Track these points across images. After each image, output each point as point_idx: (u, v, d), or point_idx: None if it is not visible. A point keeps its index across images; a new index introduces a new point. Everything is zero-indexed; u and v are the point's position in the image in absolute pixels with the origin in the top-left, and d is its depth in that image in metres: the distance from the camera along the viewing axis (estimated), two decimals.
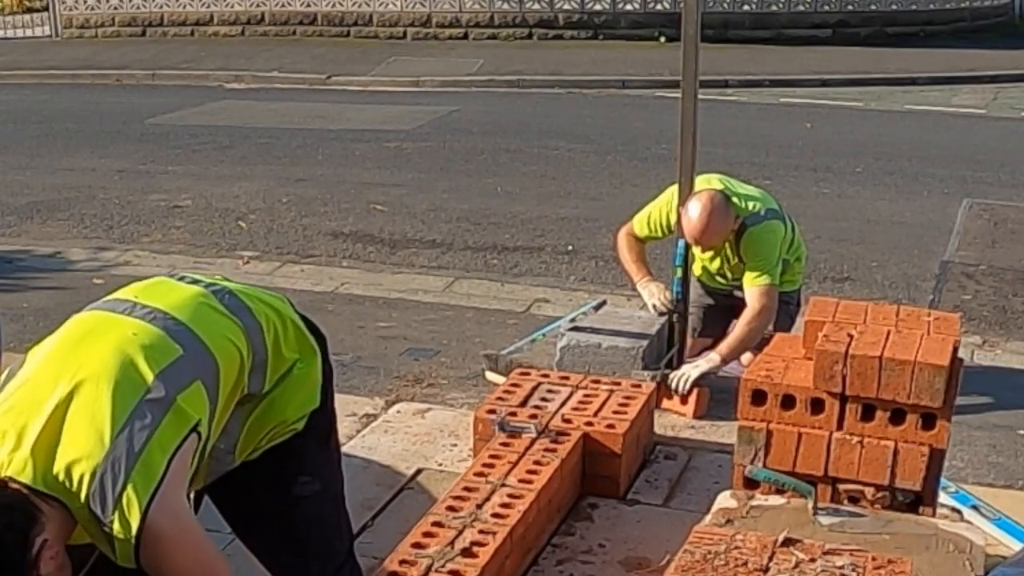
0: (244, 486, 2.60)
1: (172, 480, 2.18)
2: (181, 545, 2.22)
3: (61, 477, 2.13)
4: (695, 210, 4.80)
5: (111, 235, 7.83)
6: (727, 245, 5.00)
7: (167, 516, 2.17)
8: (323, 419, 2.67)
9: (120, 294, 2.49)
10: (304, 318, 2.68)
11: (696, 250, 5.07)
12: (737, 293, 5.28)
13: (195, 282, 2.56)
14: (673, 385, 4.78)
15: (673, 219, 4.98)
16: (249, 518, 2.68)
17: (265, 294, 2.66)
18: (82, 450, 2.14)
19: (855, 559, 2.59)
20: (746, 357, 5.05)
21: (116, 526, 2.12)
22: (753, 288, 4.88)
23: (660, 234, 5.16)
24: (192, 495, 2.56)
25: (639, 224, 5.21)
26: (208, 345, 2.38)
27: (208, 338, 2.39)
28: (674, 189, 4.99)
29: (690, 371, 4.82)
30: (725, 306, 5.38)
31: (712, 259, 5.14)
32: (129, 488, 2.12)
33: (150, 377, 2.25)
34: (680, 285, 4.98)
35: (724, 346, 4.90)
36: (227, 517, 2.72)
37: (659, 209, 5.13)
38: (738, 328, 4.90)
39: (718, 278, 5.24)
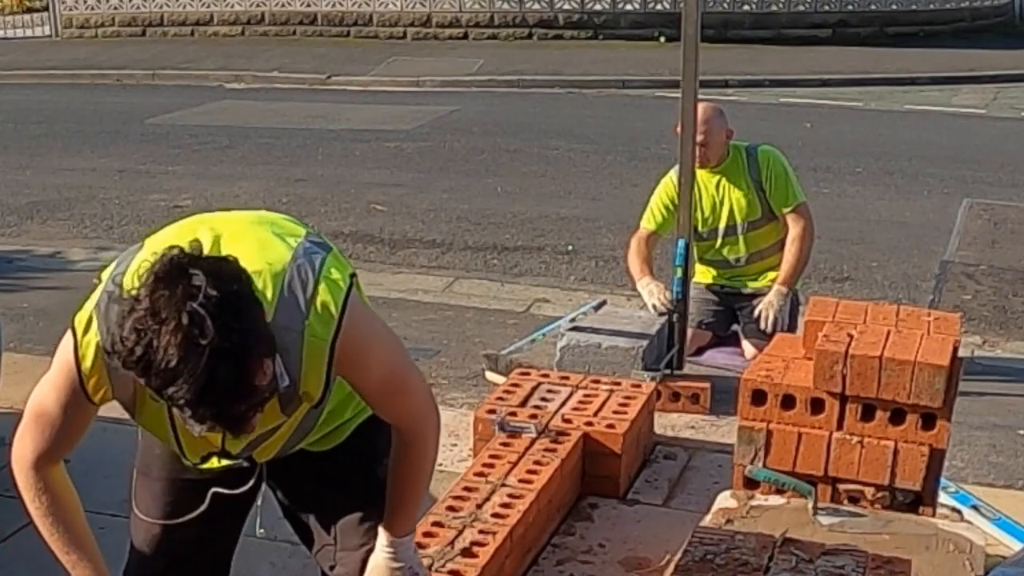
0: (325, 472, 2.48)
1: (354, 299, 2.09)
2: (378, 354, 2.19)
3: None
4: None
5: (111, 235, 7.83)
6: (739, 172, 5.17)
7: (359, 325, 2.09)
8: None
9: None
10: None
11: (698, 190, 5.13)
12: (744, 290, 5.32)
13: None
14: (765, 327, 5.02)
15: (675, 194, 5.02)
16: (321, 498, 2.53)
17: None
18: (260, 262, 2.02)
19: (855, 559, 2.59)
20: (750, 351, 5.11)
21: (316, 327, 2.03)
22: (789, 211, 5.18)
23: (668, 213, 5.15)
24: (257, 477, 2.40)
25: (647, 220, 5.26)
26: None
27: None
28: (670, 173, 5.08)
29: (771, 309, 5.06)
30: (728, 308, 5.40)
31: (716, 202, 5.19)
32: (322, 289, 2.05)
33: (301, 229, 2.19)
34: (680, 285, 4.98)
35: (784, 274, 5.14)
36: (289, 495, 2.56)
37: (663, 191, 5.20)
38: (790, 253, 5.16)
39: (722, 243, 5.27)
